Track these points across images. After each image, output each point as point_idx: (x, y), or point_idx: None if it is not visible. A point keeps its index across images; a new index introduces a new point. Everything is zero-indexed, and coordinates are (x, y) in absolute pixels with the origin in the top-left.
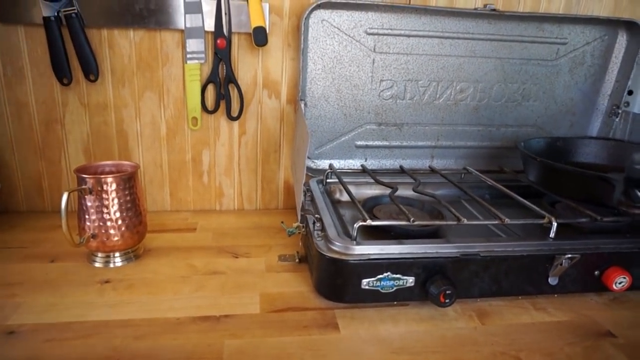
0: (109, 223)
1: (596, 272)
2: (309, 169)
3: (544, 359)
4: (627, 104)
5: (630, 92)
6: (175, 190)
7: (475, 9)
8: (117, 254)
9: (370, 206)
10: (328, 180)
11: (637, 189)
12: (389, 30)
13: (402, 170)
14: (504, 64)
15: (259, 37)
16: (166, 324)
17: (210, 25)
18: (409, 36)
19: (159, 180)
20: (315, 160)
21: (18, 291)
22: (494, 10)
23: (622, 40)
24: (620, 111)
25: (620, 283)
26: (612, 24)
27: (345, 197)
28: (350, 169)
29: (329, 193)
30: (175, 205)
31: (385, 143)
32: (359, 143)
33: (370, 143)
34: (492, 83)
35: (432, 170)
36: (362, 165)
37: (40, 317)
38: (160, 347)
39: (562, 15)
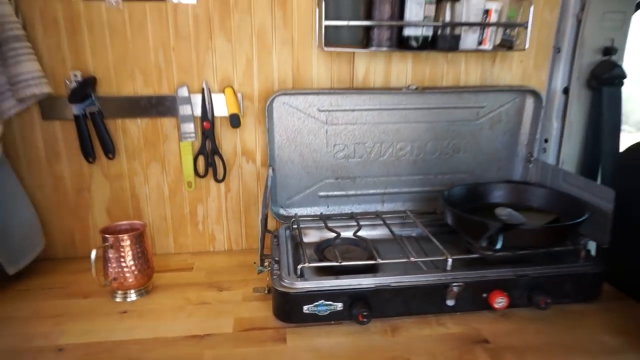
0: (125, 269)
1: (484, 295)
2: (281, 216)
3: (426, 359)
4: (545, 150)
5: (546, 140)
6: (177, 237)
7: (401, 88)
8: (132, 291)
9: (325, 247)
10: (294, 227)
11: (502, 236)
12: (337, 107)
13: (350, 216)
14: (434, 126)
15: (234, 121)
16: (166, 341)
17: (198, 112)
18: (353, 110)
19: (164, 229)
20: (287, 209)
21: (62, 320)
22: (417, 88)
23: (529, 101)
24: (532, 159)
25: (499, 302)
26: (522, 89)
27: (306, 240)
28: (315, 216)
29: (293, 237)
30: (177, 249)
31: (343, 193)
32: (321, 194)
33: (330, 193)
34: (426, 141)
35: (377, 215)
36: (320, 213)
37: (79, 339)
38: (161, 357)
39: (477, 89)
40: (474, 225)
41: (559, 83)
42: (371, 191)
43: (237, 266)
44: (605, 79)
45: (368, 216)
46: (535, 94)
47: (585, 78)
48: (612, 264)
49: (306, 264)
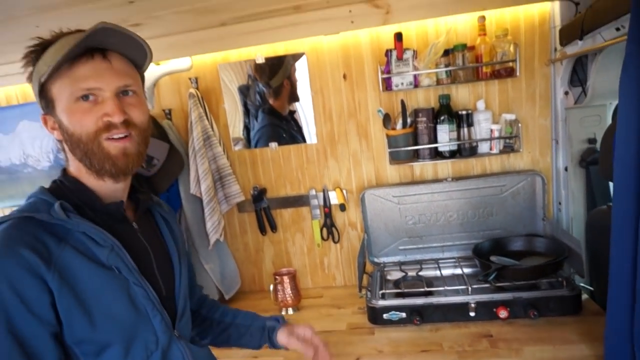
0: (287, 295)
1: (494, 309)
2: (374, 263)
3: (452, 344)
4: (560, 209)
5: (560, 203)
6: (313, 277)
7: (442, 180)
8: (290, 308)
9: (399, 281)
10: (382, 269)
11: (497, 273)
12: (404, 194)
13: (418, 262)
14: (470, 200)
15: (342, 208)
16: None
17: (321, 203)
18: (415, 195)
19: (305, 273)
20: (378, 258)
21: None
22: (452, 179)
23: (538, 179)
24: (544, 218)
25: (502, 314)
26: (530, 172)
27: (390, 277)
28: (396, 262)
29: (382, 276)
30: (313, 284)
31: (414, 246)
32: (400, 248)
33: (406, 247)
34: (467, 210)
35: (435, 261)
36: (399, 260)
37: None
38: None
39: (498, 174)
40: (486, 267)
41: (560, 163)
42: (434, 244)
43: (349, 295)
44: (589, 161)
45: (430, 262)
46: (539, 175)
47: (577, 160)
48: (597, 289)
49: (384, 291)
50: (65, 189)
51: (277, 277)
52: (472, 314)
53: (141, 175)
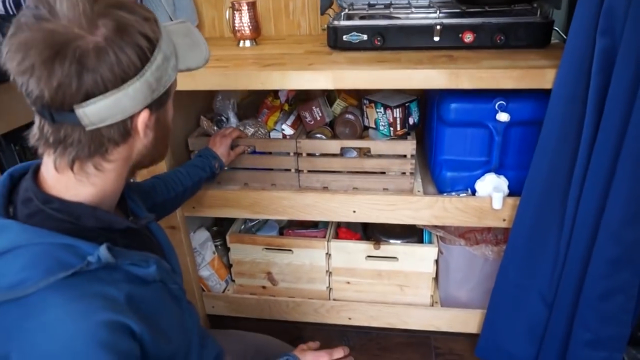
0: (244, 25)
1: (460, 34)
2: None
3: (410, 59)
4: None
5: None
6: (276, 23)
7: None
8: (247, 41)
9: (367, 7)
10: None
11: None
12: None
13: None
14: None
15: None
16: (267, 56)
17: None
18: None
19: (268, 18)
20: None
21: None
22: None
23: None
24: None
25: (468, 37)
26: None
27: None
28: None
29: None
30: (276, 32)
31: None
32: None
33: None
34: None
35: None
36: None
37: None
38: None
39: None
40: None
41: None
42: None
43: (313, 39)
44: None
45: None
46: None
47: None
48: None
49: (348, 12)
50: (71, 218)
51: (234, 2)
52: (436, 38)
53: None
